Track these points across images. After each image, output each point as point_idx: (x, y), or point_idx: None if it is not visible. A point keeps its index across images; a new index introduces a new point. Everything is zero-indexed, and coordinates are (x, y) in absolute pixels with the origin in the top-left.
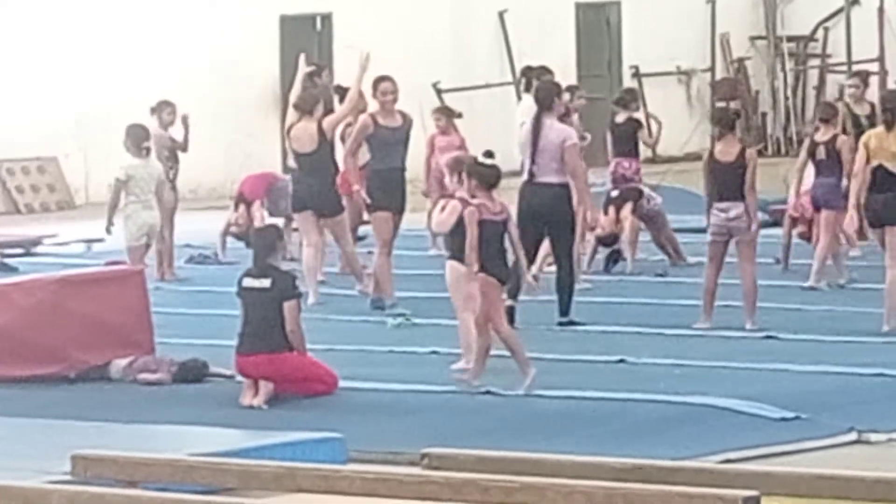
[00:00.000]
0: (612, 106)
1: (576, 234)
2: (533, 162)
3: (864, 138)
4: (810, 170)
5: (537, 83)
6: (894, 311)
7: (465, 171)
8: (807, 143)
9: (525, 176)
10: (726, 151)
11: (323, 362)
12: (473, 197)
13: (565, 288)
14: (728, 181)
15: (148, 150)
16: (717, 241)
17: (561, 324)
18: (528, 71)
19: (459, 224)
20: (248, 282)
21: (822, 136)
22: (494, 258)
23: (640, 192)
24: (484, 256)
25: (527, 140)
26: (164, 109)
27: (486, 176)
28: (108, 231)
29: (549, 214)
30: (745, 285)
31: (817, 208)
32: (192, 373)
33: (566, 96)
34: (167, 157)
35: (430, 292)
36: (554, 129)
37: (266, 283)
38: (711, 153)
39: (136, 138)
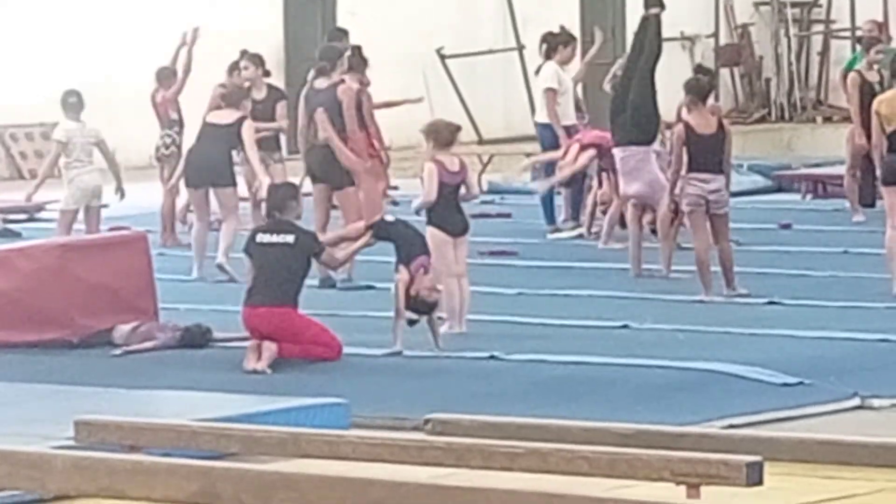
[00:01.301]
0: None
1: None
2: None
3: (875, 106)
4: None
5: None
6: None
7: (423, 133)
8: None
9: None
10: (704, 123)
11: (328, 328)
12: (434, 156)
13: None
14: (708, 154)
15: (81, 106)
16: (697, 210)
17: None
18: (550, 37)
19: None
20: (265, 237)
21: None
22: (445, 213)
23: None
24: (434, 211)
25: None
26: (165, 75)
27: (442, 134)
28: (29, 198)
29: None
30: (723, 259)
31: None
32: (195, 338)
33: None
34: (173, 122)
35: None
36: None
37: (289, 238)
38: (687, 125)
39: (71, 102)
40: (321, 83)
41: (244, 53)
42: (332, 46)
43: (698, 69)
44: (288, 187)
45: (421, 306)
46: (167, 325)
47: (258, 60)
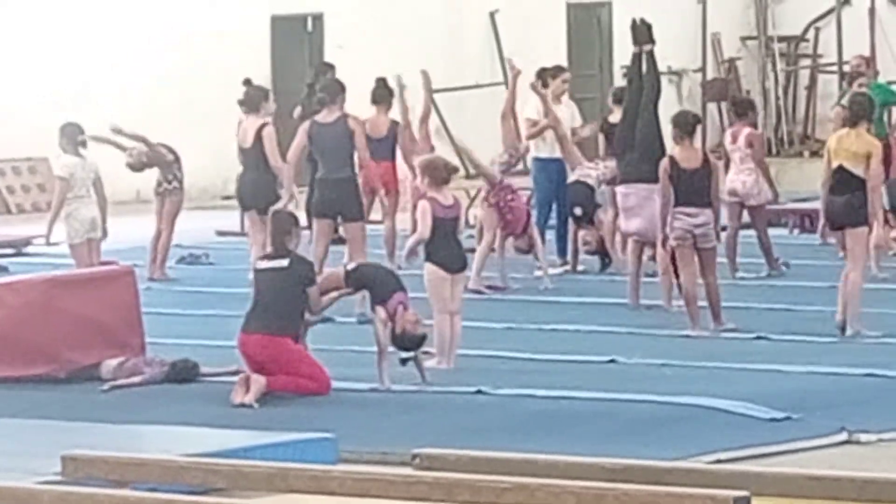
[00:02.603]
0: (609, 104)
1: None
2: None
3: (828, 142)
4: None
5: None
6: (848, 310)
7: (419, 168)
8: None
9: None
10: (689, 157)
11: (319, 363)
12: (427, 192)
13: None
14: (694, 188)
15: (84, 144)
16: (684, 245)
17: None
18: (542, 72)
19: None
20: (264, 263)
21: None
22: (443, 249)
23: (592, 189)
24: (433, 247)
25: None
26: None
27: (440, 173)
28: (48, 241)
29: None
30: (710, 293)
31: None
32: (182, 373)
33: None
34: (171, 163)
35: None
36: None
37: (283, 262)
38: (672, 159)
39: (71, 136)
40: (325, 117)
41: (248, 82)
42: (335, 80)
43: (734, 99)
44: (288, 215)
45: (409, 343)
46: (154, 359)
47: None
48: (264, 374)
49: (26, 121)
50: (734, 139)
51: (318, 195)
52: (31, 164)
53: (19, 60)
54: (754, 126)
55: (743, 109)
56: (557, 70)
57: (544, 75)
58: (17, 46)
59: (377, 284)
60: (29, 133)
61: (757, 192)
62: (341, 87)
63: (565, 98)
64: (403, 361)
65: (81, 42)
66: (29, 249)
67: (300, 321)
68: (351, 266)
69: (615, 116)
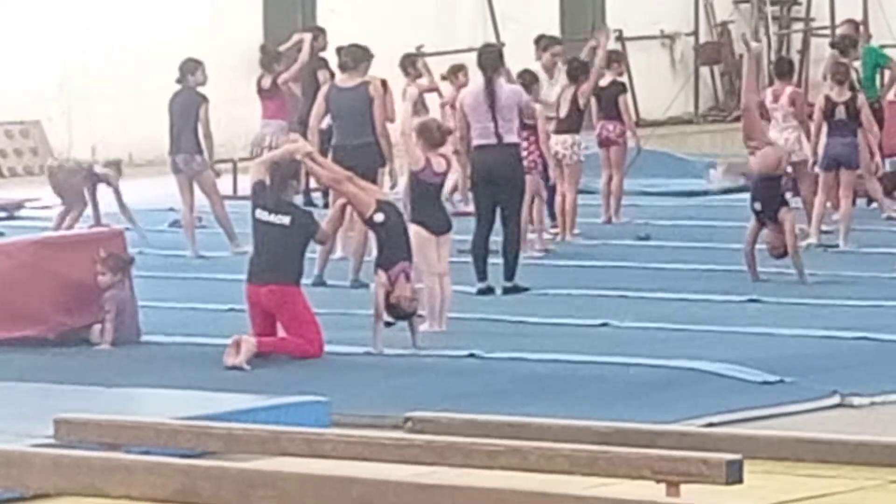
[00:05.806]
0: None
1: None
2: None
3: None
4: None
5: (482, 48)
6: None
7: (414, 131)
8: (821, 102)
9: (481, 140)
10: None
11: (317, 323)
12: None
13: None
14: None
15: None
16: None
17: (505, 290)
18: (537, 39)
19: (416, 188)
20: (263, 214)
21: (839, 96)
22: (428, 211)
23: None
24: (419, 208)
25: (479, 103)
26: None
27: (433, 135)
28: None
29: (501, 175)
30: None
31: (830, 168)
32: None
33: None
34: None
35: None
36: (505, 89)
37: (285, 220)
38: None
39: None
40: (345, 81)
41: (263, 49)
42: (360, 46)
43: (777, 59)
44: (290, 165)
45: (399, 313)
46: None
47: None
48: (271, 323)
49: (19, 85)
50: (776, 98)
51: (340, 159)
52: (23, 128)
53: (11, 25)
54: (797, 85)
55: (784, 69)
56: (549, 42)
57: (539, 43)
58: (7, 11)
59: (389, 246)
60: (21, 96)
61: (799, 149)
62: (366, 54)
63: (559, 69)
64: (388, 325)
65: (73, 5)
66: (21, 213)
67: (302, 268)
68: (380, 219)
69: (605, 80)
